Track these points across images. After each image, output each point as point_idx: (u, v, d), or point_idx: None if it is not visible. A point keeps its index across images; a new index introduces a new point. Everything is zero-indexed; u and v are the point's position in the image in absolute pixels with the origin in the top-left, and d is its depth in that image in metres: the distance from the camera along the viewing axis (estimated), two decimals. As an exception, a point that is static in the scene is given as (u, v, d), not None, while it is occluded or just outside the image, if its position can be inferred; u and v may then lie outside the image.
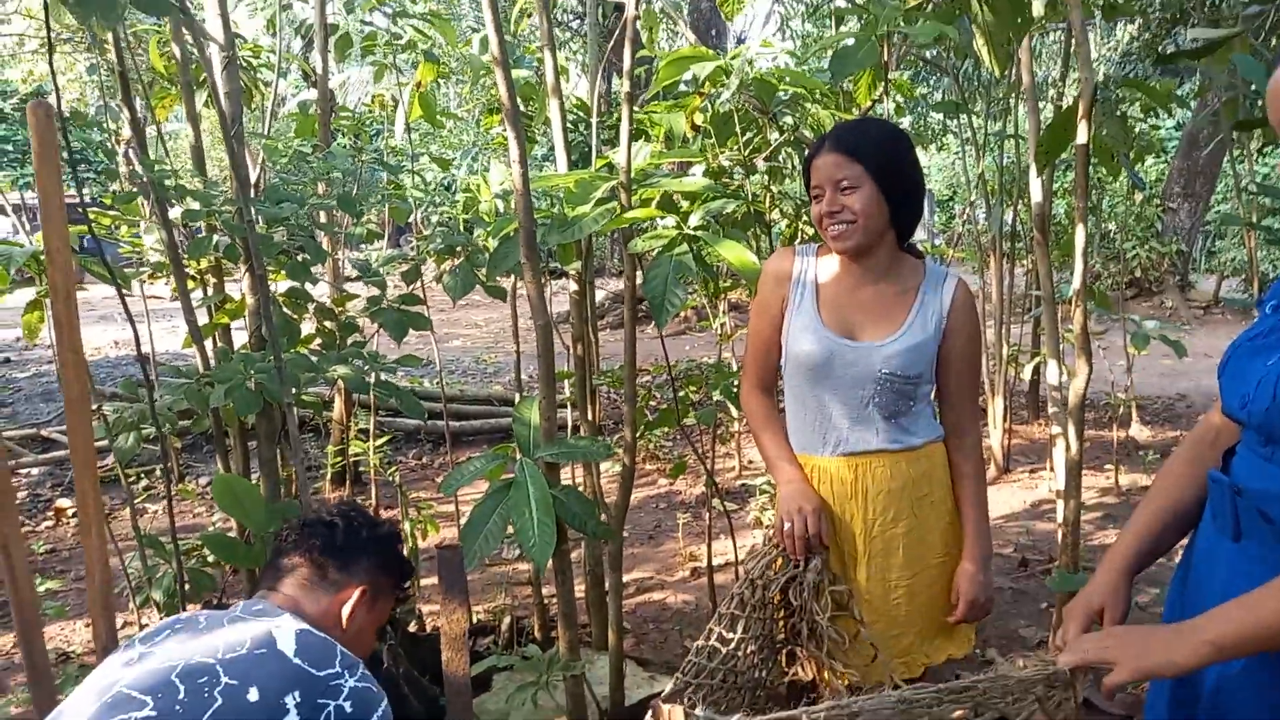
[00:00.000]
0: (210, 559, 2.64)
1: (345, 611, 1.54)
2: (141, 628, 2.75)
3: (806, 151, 1.76)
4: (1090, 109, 2.33)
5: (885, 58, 2.46)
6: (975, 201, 6.27)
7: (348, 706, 1.34)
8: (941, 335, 1.72)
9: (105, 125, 4.03)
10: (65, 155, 1.93)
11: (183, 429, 4.61)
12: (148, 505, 5.05)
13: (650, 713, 0.92)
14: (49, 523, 4.85)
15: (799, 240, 3.30)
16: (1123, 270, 11.22)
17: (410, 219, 3.63)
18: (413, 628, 3.03)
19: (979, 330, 1.79)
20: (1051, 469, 4.47)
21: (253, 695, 1.29)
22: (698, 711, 0.95)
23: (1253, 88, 2.62)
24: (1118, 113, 2.69)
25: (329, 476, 5.12)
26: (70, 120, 3.32)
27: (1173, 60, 2.05)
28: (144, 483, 5.24)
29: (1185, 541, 1.31)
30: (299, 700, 1.31)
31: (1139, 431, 5.79)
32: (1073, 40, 2.71)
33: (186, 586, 2.43)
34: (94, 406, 2.17)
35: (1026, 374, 5.66)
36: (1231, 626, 1.02)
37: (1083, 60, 2.47)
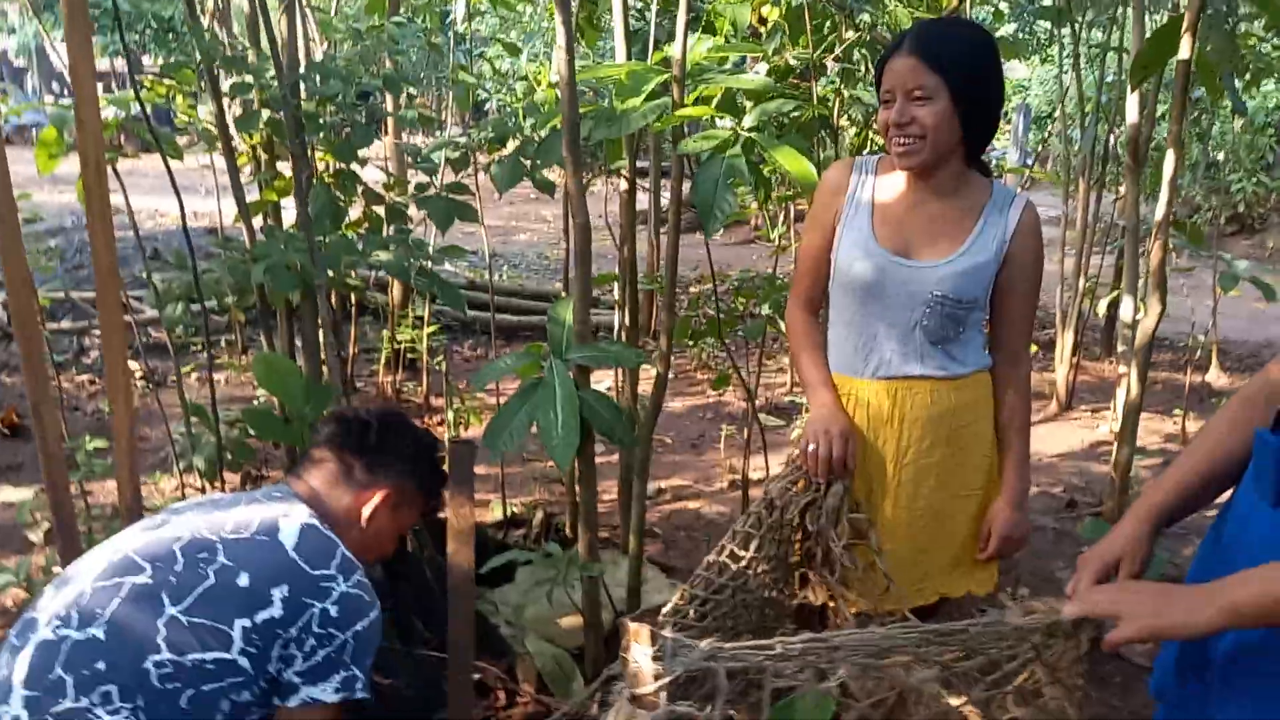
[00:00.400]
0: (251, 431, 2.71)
1: (366, 512, 1.52)
2: (183, 494, 2.89)
3: (882, 51, 1.62)
4: (1195, 20, 2.12)
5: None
6: (1071, 120, 5.90)
7: (333, 610, 1.34)
8: (1002, 260, 1.62)
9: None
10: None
11: (240, 303, 4.72)
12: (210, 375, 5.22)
13: (621, 629, 0.91)
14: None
15: (868, 151, 3.14)
16: (1224, 203, 10.56)
17: (487, 106, 3.55)
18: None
19: (1042, 258, 1.68)
20: (1115, 410, 4.30)
21: (243, 580, 1.31)
22: (666, 633, 0.92)
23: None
24: (1226, 26, 2.44)
25: (383, 361, 5.20)
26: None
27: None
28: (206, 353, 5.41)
29: (1223, 500, 1.22)
30: (286, 595, 1.32)
31: (1216, 377, 5.52)
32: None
33: (228, 456, 2.51)
34: (144, 275, 2.20)
35: (1102, 308, 5.41)
36: (1258, 593, 0.95)
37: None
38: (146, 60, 19.87)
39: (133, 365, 5.20)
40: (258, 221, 2.66)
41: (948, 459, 1.66)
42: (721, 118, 2.21)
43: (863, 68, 2.86)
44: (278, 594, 1.31)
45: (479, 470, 3.96)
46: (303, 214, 1.95)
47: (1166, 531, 1.29)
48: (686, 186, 2.19)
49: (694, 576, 1.71)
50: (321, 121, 2.28)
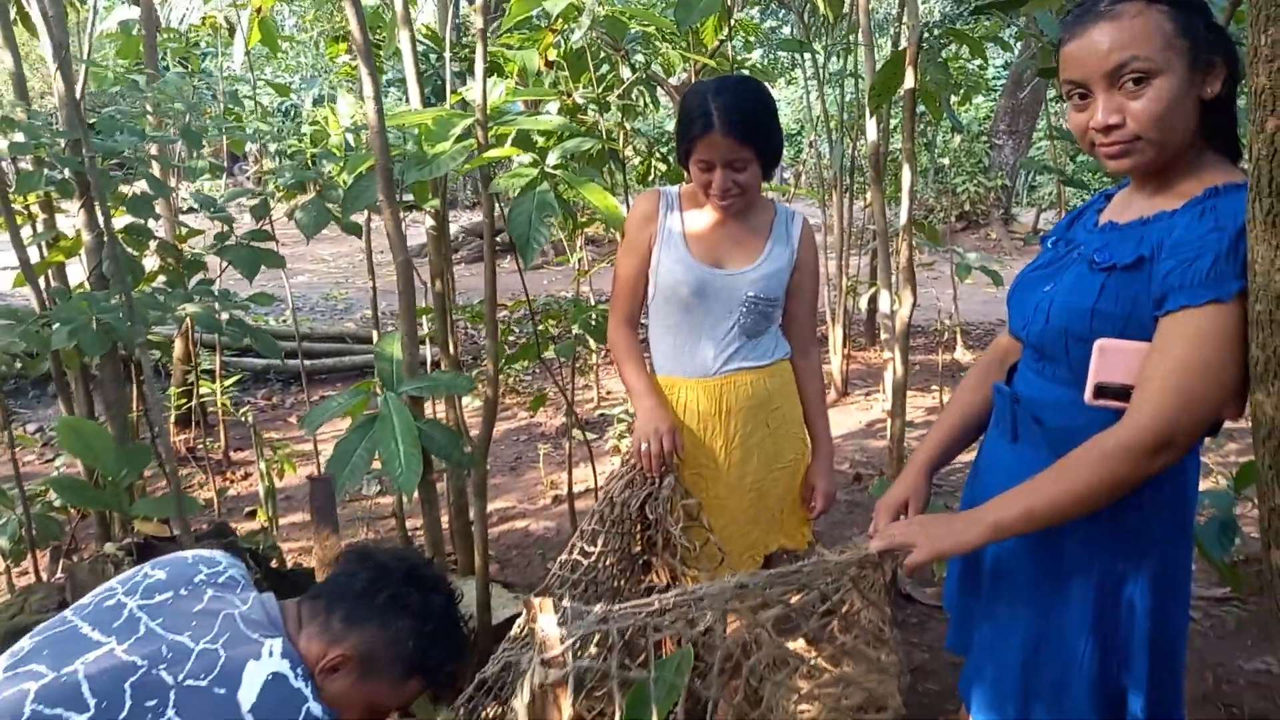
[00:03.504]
0: (57, 504, 2.56)
1: (319, 671, 1.33)
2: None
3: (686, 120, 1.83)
4: (916, 55, 2.52)
5: (729, 1, 2.57)
6: (819, 138, 6.54)
7: None
8: (793, 265, 1.92)
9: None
10: None
11: (2, 374, 4.32)
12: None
13: (524, 607, 1.03)
14: None
15: (651, 176, 3.41)
16: (953, 204, 11.94)
17: (246, 149, 3.50)
18: (275, 564, 3.04)
19: (819, 261, 2.01)
20: (885, 391, 4.84)
21: None
22: (565, 602, 1.07)
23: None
24: (941, 58, 2.90)
25: (174, 419, 4.93)
26: None
27: (987, 10, 2.24)
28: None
29: (976, 447, 1.53)
30: None
31: (963, 355, 6.30)
32: (902, -12, 2.89)
33: (33, 532, 2.37)
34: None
35: (864, 303, 6.03)
36: (1007, 511, 1.22)
37: (909, 9, 2.65)
38: None
39: None
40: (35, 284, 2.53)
41: (766, 438, 1.93)
42: (522, 155, 2.37)
43: (641, 102, 3.11)
44: None
45: (297, 519, 3.88)
46: (119, 270, 1.91)
47: (937, 477, 1.59)
48: (470, 216, 2.33)
49: (550, 575, 1.85)
50: (114, 176, 2.22)
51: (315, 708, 1.26)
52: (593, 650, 1.16)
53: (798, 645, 1.46)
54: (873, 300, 5.97)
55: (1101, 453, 1.15)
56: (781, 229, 1.94)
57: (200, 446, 4.62)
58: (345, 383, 6.03)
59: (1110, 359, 1.18)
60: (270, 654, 1.28)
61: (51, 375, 4.45)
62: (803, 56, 6.22)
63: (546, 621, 1.06)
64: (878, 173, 3.33)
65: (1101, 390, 1.19)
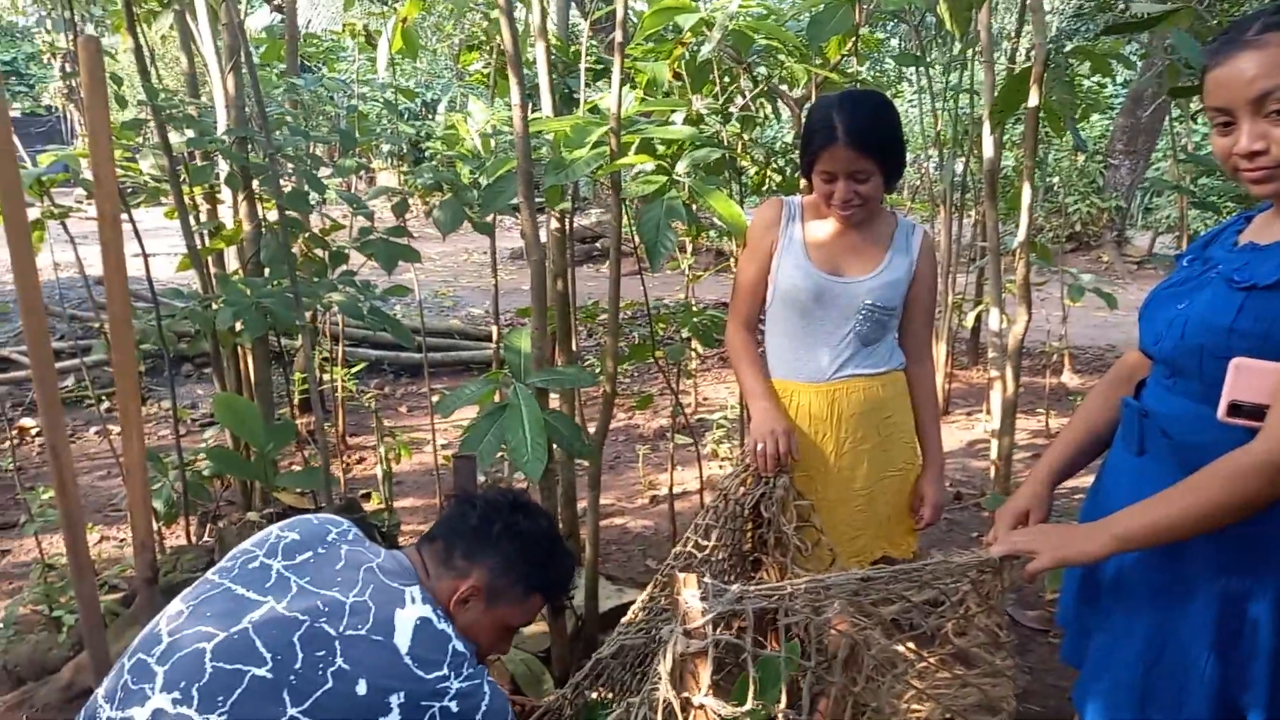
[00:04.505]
0: (205, 473, 2.78)
1: (452, 603, 1.48)
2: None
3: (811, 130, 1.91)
4: (1042, 74, 2.53)
5: (857, 20, 2.63)
6: (930, 153, 6.49)
7: (453, 707, 1.35)
8: (911, 277, 1.96)
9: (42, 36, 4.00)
10: None
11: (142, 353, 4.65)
12: (110, 426, 5.10)
13: (667, 579, 1.12)
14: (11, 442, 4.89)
15: (766, 186, 3.48)
16: (1064, 224, 11.61)
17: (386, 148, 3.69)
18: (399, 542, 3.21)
19: (937, 273, 2.05)
20: (988, 412, 4.77)
21: (360, 688, 1.31)
22: (706, 579, 1.15)
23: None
24: (1066, 78, 2.89)
25: (295, 403, 5.22)
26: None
27: (1120, 31, 2.24)
28: (105, 404, 5.29)
29: (1099, 462, 1.55)
30: (402, 701, 1.32)
31: (1070, 379, 6.15)
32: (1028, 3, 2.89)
33: (186, 497, 2.58)
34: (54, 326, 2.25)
35: (969, 321, 5.96)
36: (1133, 523, 1.25)
37: (1037, 27, 2.66)
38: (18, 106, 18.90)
39: (28, 421, 5.05)
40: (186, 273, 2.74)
41: (878, 445, 1.98)
42: (646, 163, 2.47)
43: (761, 114, 3.18)
44: (395, 700, 1.32)
45: (409, 503, 4.07)
46: (288, 258, 2.09)
47: (1056, 491, 1.62)
48: (579, 221, 2.43)
49: (664, 565, 1.94)
50: (276, 172, 2.42)
51: (459, 644, 1.40)
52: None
53: (907, 647, 1.52)
54: (978, 319, 5.90)
55: (1233, 470, 1.17)
56: (902, 240, 1.98)
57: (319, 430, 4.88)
58: (452, 376, 6.26)
59: (1246, 378, 1.20)
60: (413, 600, 1.41)
61: (188, 357, 4.77)
62: (918, 71, 6.19)
63: (690, 595, 1.14)
64: (992, 189, 3.32)
65: (1235, 408, 1.21)
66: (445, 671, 1.36)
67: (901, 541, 2.08)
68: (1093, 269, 10.97)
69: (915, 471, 2.07)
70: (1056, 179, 11.90)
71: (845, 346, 1.95)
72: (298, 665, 1.31)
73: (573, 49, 2.96)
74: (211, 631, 1.34)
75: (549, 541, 1.61)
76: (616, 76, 2.29)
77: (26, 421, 5.04)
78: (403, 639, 1.36)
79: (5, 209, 1.46)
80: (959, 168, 5.83)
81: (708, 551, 1.93)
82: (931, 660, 1.52)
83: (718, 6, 2.67)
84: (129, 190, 2.91)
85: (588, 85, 2.84)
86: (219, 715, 1.26)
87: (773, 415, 1.93)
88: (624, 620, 1.95)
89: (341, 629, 1.35)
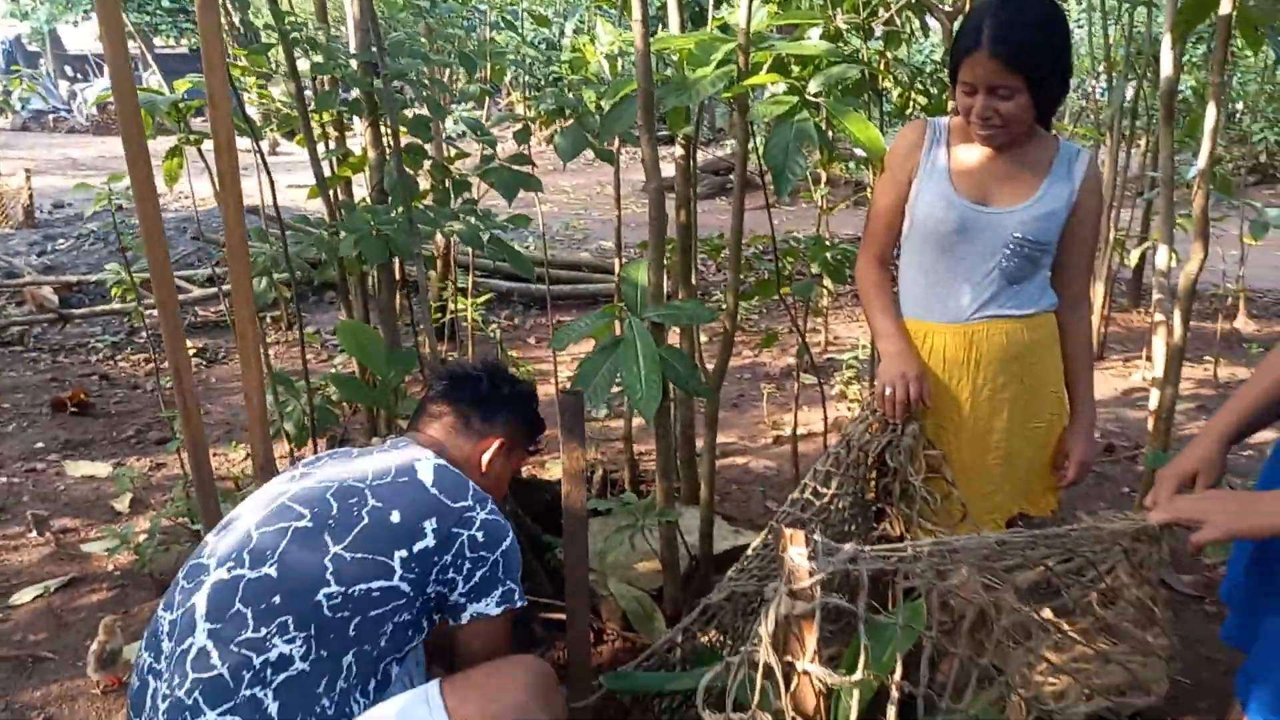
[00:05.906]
0: (334, 397, 2.85)
1: (485, 459, 1.69)
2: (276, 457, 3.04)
3: (955, 43, 1.69)
4: (1240, -24, 2.20)
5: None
6: (1099, 74, 5.93)
7: (480, 535, 1.50)
8: (1071, 209, 1.75)
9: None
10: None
11: (286, 280, 4.85)
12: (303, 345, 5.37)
13: (772, 534, 1.03)
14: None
15: (910, 110, 3.23)
16: (1247, 154, 10.54)
17: (506, 78, 3.65)
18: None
19: (1102, 209, 1.81)
20: (1148, 358, 4.39)
21: (395, 517, 1.45)
22: (816, 537, 1.05)
23: None
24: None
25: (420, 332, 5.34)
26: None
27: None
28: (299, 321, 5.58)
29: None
30: (435, 526, 1.46)
31: (1244, 324, 5.60)
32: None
33: (315, 421, 2.65)
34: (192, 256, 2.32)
35: (1133, 260, 5.48)
36: None
37: (1235, -79, 2.31)
38: (158, 42, 19.93)
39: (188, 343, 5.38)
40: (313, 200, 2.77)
41: (1020, 394, 1.79)
42: (778, 83, 2.30)
43: (907, 29, 2.93)
44: (429, 526, 1.46)
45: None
46: (403, 186, 2.06)
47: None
48: (702, 151, 2.29)
49: (779, 513, 1.85)
50: (399, 98, 2.39)
51: (476, 487, 1.55)
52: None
53: (1043, 616, 1.37)
54: (1142, 257, 5.42)
55: None
56: (1062, 168, 1.75)
57: (448, 359, 4.99)
58: (580, 309, 6.27)
59: None
60: (428, 458, 1.57)
61: (327, 284, 4.91)
62: (1085, -17, 5.63)
63: (797, 554, 1.04)
64: (1169, 112, 2.96)
65: None
66: (470, 502, 1.51)
67: (1041, 499, 1.90)
68: (1277, 203, 9.94)
69: (1061, 425, 1.87)
70: (1240, 104, 10.79)
71: (989, 284, 1.76)
72: (334, 512, 1.45)
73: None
74: (253, 517, 1.49)
75: (533, 397, 1.84)
76: (746, -12, 2.12)
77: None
78: (426, 476, 1.52)
79: (124, 136, 1.47)
80: (1129, 91, 5.29)
81: (826, 499, 1.82)
82: (1072, 632, 1.38)
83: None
84: (263, 117, 2.97)
85: (719, 2, 2.68)
86: (270, 566, 1.40)
87: (903, 358, 1.78)
88: (735, 566, 1.87)
89: (368, 480, 1.51)
